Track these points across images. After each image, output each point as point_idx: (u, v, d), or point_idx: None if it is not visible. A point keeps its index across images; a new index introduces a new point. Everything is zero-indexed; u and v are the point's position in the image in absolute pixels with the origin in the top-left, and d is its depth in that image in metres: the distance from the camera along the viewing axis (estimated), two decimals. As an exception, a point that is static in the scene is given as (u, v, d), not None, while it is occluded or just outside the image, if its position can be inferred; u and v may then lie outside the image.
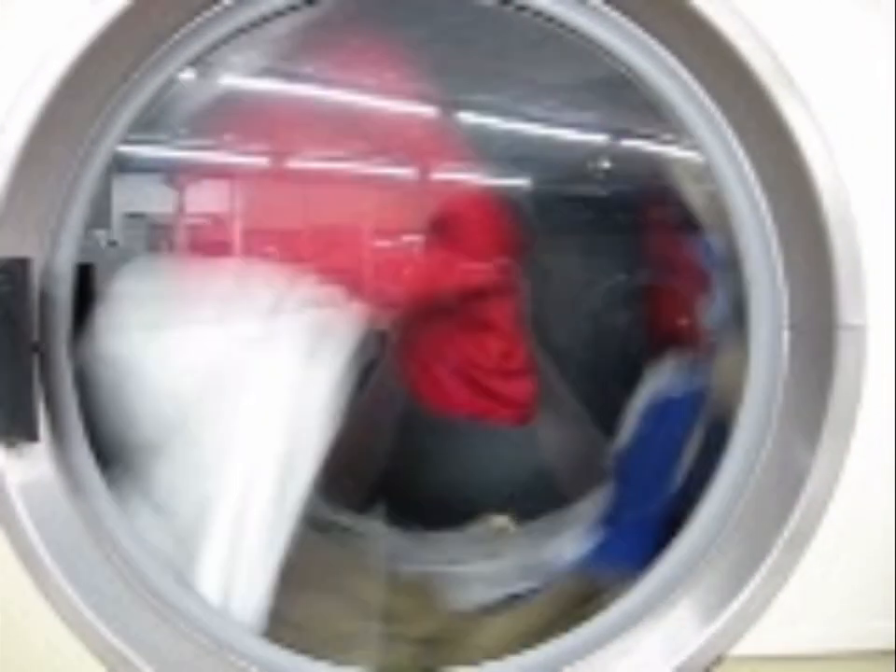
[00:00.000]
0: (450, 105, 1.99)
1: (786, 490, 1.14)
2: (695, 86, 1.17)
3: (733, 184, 1.17)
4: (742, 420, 1.19)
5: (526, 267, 1.78)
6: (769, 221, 1.17)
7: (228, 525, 1.25)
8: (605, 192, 1.98)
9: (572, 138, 2.03)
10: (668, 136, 1.69)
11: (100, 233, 1.92)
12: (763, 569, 1.13)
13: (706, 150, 1.18)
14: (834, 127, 1.10)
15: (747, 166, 1.17)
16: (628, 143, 1.99)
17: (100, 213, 1.67)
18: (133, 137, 1.27)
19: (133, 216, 2.02)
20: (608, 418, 1.68)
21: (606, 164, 2.03)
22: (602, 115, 1.96)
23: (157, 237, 2.09)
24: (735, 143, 1.17)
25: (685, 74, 1.17)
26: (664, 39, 1.17)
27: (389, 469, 1.72)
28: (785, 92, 1.09)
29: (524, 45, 1.66)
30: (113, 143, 1.22)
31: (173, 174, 2.04)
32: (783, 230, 1.16)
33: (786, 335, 1.18)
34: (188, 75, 1.49)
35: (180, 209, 2.05)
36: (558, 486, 1.71)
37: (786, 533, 1.13)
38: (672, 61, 1.17)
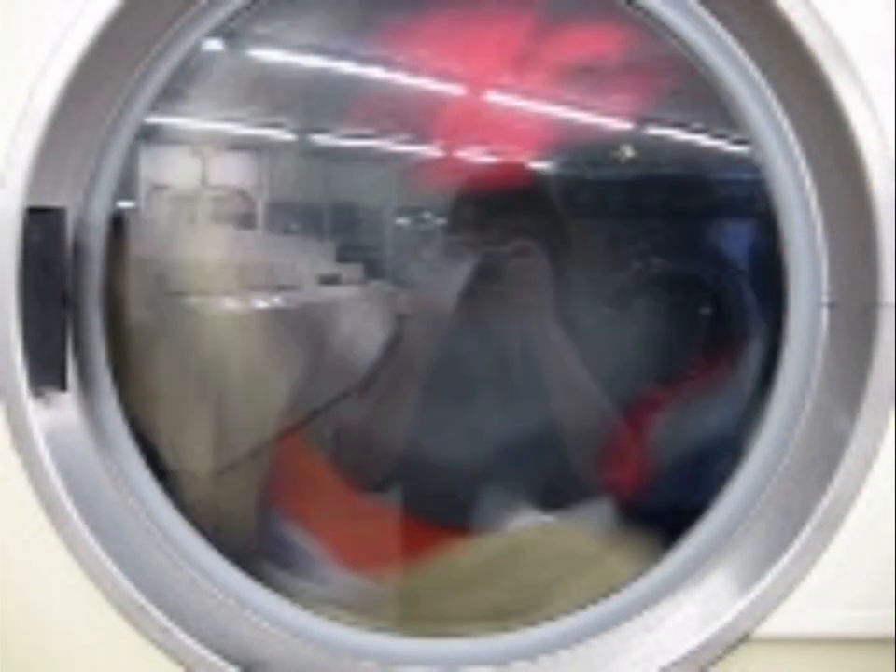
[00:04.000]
0: (477, 85, 1.98)
1: (821, 468, 1.13)
2: (746, 60, 1.16)
3: (778, 157, 1.16)
4: (778, 398, 1.18)
5: (550, 249, 1.77)
6: (813, 197, 1.16)
7: None
8: (631, 177, 1.97)
9: (600, 122, 2.02)
10: (700, 124, 1.68)
11: (124, 203, 1.91)
12: (796, 546, 1.11)
13: (752, 124, 1.17)
14: (885, 103, 1.08)
15: (792, 140, 1.16)
16: (657, 130, 1.98)
17: (125, 182, 1.67)
18: (160, 107, 1.27)
19: (157, 186, 2.01)
20: (629, 403, 1.67)
21: (632, 151, 2.02)
22: (632, 100, 1.95)
23: (181, 208, 2.08)
24: (781, 116, 1.16)
25: (736, 47, 1.16)
26: (718, 13, 1.16)
27: (406, 450, 1.71)
28: (836, 65, 1.08)
29: (553, 24, 1.66)
30: (141, 110, 1.23)
31: (198, 145, 2.04)
32: (827, 206, 1.15)
33: (825, 313, 1.17)
34: (215, 45, 1.49)
35: (205, 181, 2.04)
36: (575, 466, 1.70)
37: (819, 512, 1.11)
38: (726, 36, 1.17)
